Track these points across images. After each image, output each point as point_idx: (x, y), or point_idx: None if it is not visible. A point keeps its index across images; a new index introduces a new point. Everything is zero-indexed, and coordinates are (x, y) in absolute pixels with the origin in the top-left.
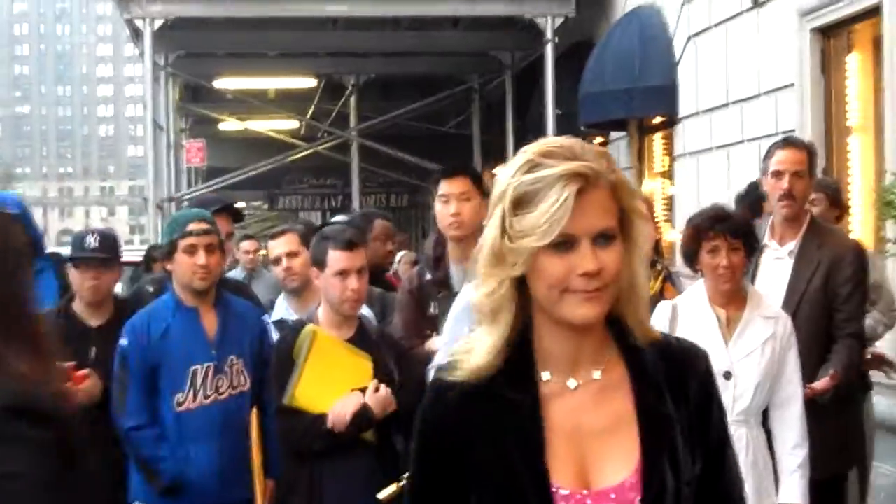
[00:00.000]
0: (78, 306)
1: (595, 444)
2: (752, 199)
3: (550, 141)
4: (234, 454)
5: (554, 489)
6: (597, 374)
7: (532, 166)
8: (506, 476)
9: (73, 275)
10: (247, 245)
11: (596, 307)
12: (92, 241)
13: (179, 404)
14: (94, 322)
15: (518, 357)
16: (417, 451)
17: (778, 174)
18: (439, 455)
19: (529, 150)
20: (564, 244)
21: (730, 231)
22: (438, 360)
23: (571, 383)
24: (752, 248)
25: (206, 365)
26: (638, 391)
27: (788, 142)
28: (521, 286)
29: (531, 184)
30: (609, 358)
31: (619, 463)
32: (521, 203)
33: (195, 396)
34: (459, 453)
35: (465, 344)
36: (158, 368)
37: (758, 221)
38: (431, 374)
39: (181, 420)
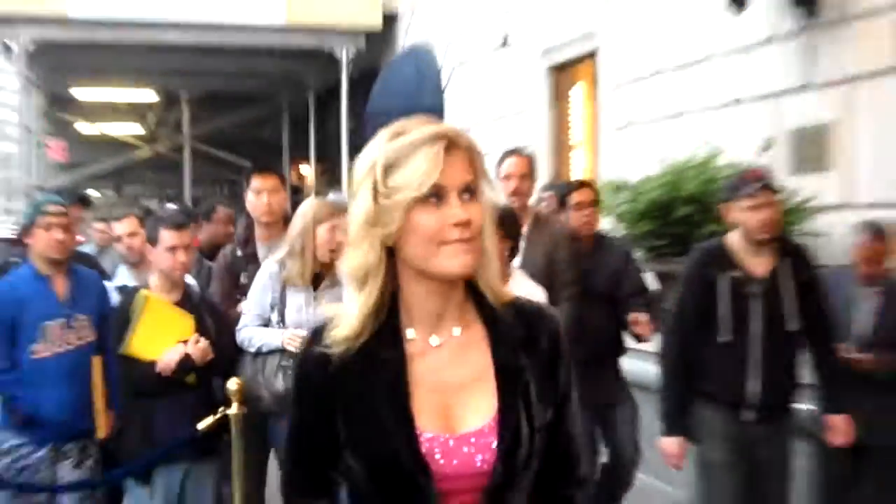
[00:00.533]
0: None
1: (457, 394)
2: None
3: (403, 121)
4: (81, 393)
5: (419, 433)
6: (457, 332)
7: (397, 135)
8: (375, 426)
9: None
10: (99, 225)
11: (469, 257)
12: None
13: (34, 353)
14: None
15: (387, 319)
16: (296, 403)
17: (508, 177)
18: (313, 404)
19: (389, 128)
20: (436, 196)
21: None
22: (243, 319)
23: (434, 340)
24: (513, 234)
25: (57, 321)
26: (494, 347)
27: (514, 151)
28: (390, 256)
29: (401, 148)
30: (468, 317)
31: (480, 411)
32: (393, 166)
33: (47, 347)
34: (331, 403)
35: (333, 316)
36: (17, 325)
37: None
38: (239, 333)
39: (35, 366)
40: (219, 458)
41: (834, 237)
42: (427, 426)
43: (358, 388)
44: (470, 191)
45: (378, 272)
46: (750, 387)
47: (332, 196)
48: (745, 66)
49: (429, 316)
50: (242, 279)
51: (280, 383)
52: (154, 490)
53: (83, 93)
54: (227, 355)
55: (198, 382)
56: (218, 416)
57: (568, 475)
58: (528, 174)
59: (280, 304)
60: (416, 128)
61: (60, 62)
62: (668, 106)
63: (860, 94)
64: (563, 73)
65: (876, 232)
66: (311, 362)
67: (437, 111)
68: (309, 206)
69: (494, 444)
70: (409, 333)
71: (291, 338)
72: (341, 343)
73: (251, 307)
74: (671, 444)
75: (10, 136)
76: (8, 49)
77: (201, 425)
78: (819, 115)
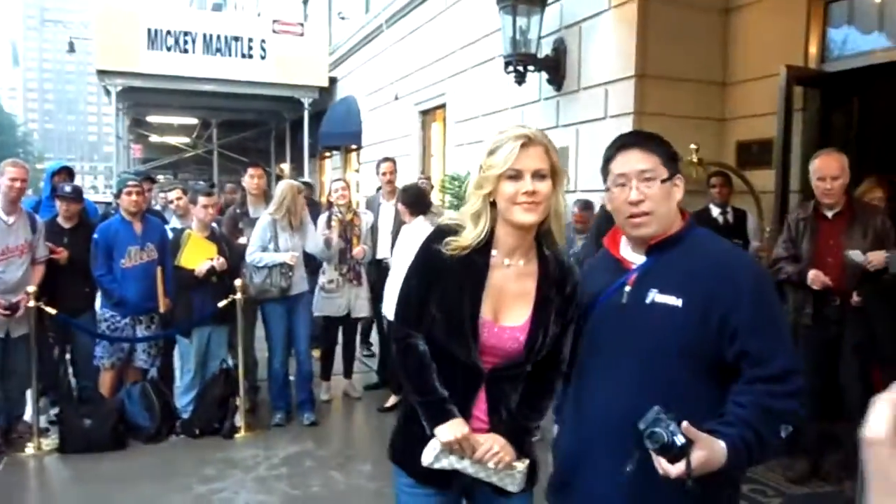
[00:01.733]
0: (60, 218)
1: (508, 300)
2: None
3: (508, 125)
4: (149, 285)
5: (480, 315)
6: (521, 263)
7: (499, 133)
8: (458, 299)
9: (59, 204)
10: (162, 194)
11: (531, 215)
12: (66, 188)
13: (123, 265)
14: (67, 226)
15: (485, 241)
16: (416, 271)
17: (384, 173)
18: (427, 275)
19: (499, 129)
20: (515, 176)
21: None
22: (250, 247)
23: (506, 262)
24: (411, 200)
25: (135, 246)
26: (540, 280)
27: (387, 159)
28: (493, 206)
29: (499, 141)
30: (530, 255)
31: (518, 316)
32: (492, 152)
33: (130, 260)
34: (438, 278)
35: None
36: (112, 247)
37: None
38: (250, 256)
39: (124, 271)
40: (230, 323)
41: (569, 208)
42: (485, 315)
43: (456, 274)
44: (540, 174)
45: (484, 213)
46: None
47: (299, 180)
48: (524, 115)
49: (507, 246)
50: (241, 225)
51: (283, 282)
52: (192, 341)
53: (153, 118)
54: (235, 266)
55: (218, 281)
56: (229, 299)
57: (557, 365)
58: (395, 171)
59: (275, 239)
60: (510, 129)
61: (139, 99)
62: (482, 134)
63: (582, 131)
64: (427, 115)
65: (585, 205)
66: (435, 251)
67: (358, 135)
68: (288, 183)
69: (522, 338)
70: (494, 253)
71: (290, 258)
72: (456, 249)
73: (255, 241)
74: None
75: (111, 143)
76: (108, 91)
77: (220, 304)
78: (561, 142)
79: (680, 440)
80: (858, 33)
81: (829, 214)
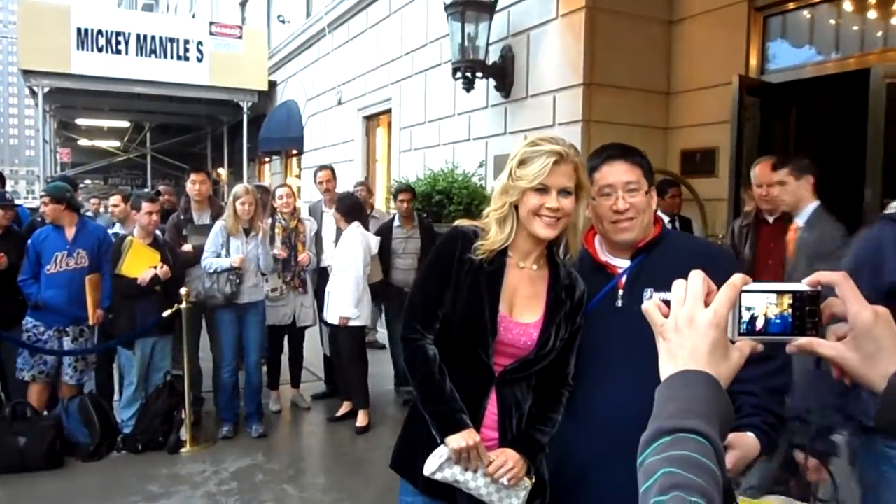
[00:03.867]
0: None
1: (522, 299)
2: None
3: (543, 135)
4: (75, 293)
5: (499, 310)
6: (535, 267)
7: (533, 144)
8: (477, 297)
9: None
10: (94, 201)
11: (552, 229)
12: (6, 195)
13: (47, 271)
14: None
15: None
16: (432, 267)
17: (320, 182)
18: (444, 271)
19: (534, 137)
20: (542, 190)
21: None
22: (205, 253)
23: (521, 265)
24: (347, 209)
25: (62, 252)
26: (551, 283)
27: (324, 167)
28: (515, 210)
29: (531, 153)
30: (543, 261)
31: (533, 313)
32: (524, 162)
33: (55, 266)
34: (455, 278)
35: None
36: (41, 253)
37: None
38: (203, 261)
39: (48, 277)
40: (173, 333)
41: None
42: (502, 309)
43: (475, 275)
44: (567, 191)
45: (510, 218)
46: None
47: (251, 185)
48: (472, 121)
49: (523, 250)
50: (185, 232)
51: (229, 288)
52: (135, 352)
53: (83, 121)
54: (178, 275)
55: (162, 290)
56: (174, 308)
57: (563, 374)
58: (333, 179)
59: (226, 245)
60: (544, 143)
61: (68, 101)
62: (429, 140)
63: (530, 138)
64: (371, 121)
65: None
66: (449, 253)
67: (299, 140)
68: (241, 188)
69: (535, 335)
70: (510, 255)
71: (237, 261)
72: (485, 252)
73: (209, 247)
74: None
75: (35, 146)
76: (34, 92)
77: (165, 314)
78: (509, 148)
79: None
80: (792, 47)
81: (770, 219)
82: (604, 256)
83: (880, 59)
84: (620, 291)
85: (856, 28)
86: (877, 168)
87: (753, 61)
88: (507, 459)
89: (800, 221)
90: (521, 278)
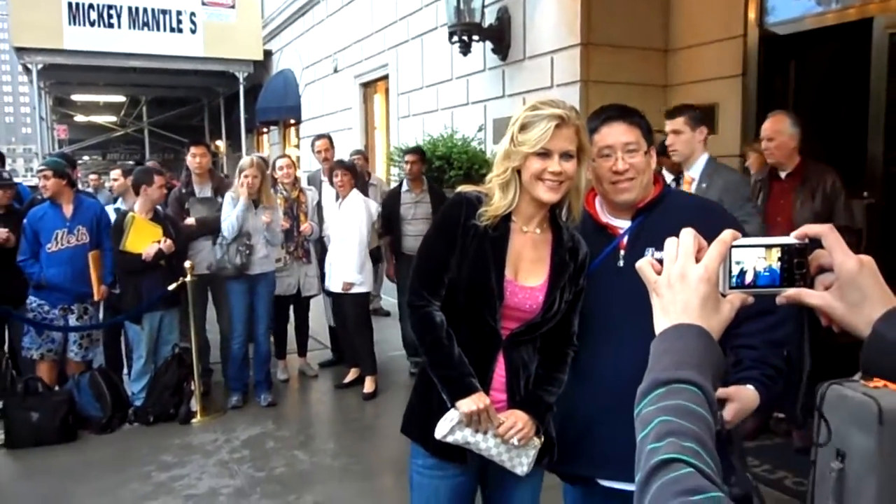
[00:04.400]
0: None
1: (525, 264)
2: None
3: (544, 97)
4: (78, 270)
5: (504, 275)
6: (538, 231)
7: (533, 108)
8: (483, 261)
9: None
10: (93, 177)
11: (554, 194)
12: (4, 174)
13: (48, 249)
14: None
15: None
16: (436, 235)
17: (318, 150)
18: (448, 237)
19: (534, 101)
20: (544, 154)
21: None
22: (223, 221)
23: (525, 229)
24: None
25: (62, 230)
26: (555, 246)
27: (321, 136)
28: (518, 175)
29: (532, 117)
30: (546, 224)
31: (537, 277)
32: (525, 127)
33: (56, 244)
34: (460, 242)
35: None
36: (39, 233)
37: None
38: (225, 226)
39: (49, 256)
40: (179, 306)
41: None
42: (508, 273)
43: (480, 240)
44: (569, 154)
45: (513, 183)
46: None
47: (255, 155)
48: (470, 85)
49: (527, 215)
50: (187, 205)
51: (239, 259)
52: (143, 326)
53: (78, 97)
54: (182, 248)
55: (166, 264)
56: (180, 282)
57: (568, 335)
58: (330, 148)
59: (238, 217)
60: (545, 107)
61: (62, 77)
62: (427, 105)
63: (529, 100)
64: (368, 87)
65: None
66: (454, 218)
67: (296, 109)
68: (248, 160)
69: (540, 298)
70: (515, 219)
71: (266, 216)
72: (490, 218)
73: (224, 216)
74: None
75: (31, 124)
76: (28, 69)
77: (171, 287)
78: (508, 111)
79: None
80: None
81: (782, 175)
82: (605, 217)
83: (881, 10)
84: (622, 252)
85: None
86: (879, 120)
87: (752, 15)
88: (517, 420)
89: (693, 174)
90: (525, 242)
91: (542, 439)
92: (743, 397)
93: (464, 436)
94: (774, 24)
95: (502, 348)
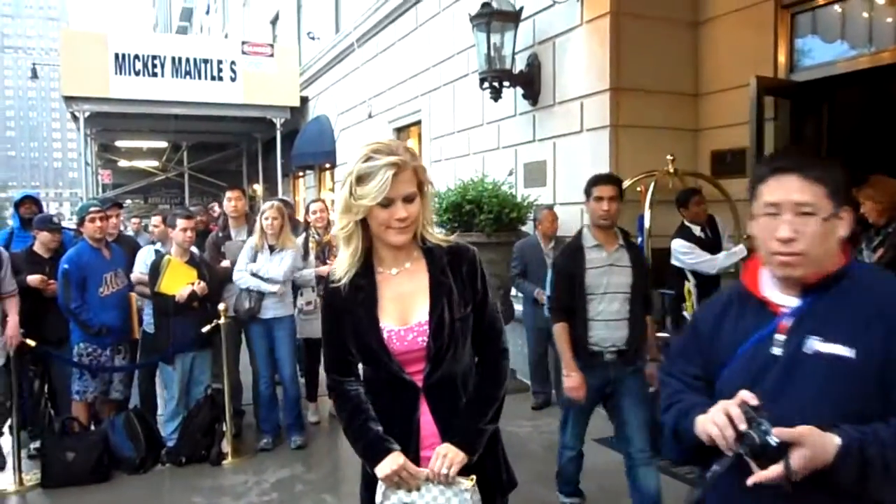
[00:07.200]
0: (38, 248)
1: (409, 300)
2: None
3: (376, 142)
4: (126, 312)
5: (382, 328)
6: (407, 265)
7: (367, 158)
8: (358, 326)
9: (41, 235)
10: (135, 220)
11: (404, 237)
12: (53, 219)
13: (101, 293)
14: (46, 256)
15: (365, 262)
16: (324, 318)
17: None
18: (333, 317)
19: (366, 148)
20: (387, 203)
21: None
22: (237, 270)
23: (393, 271)
24: None
25: (110, 273)
26: (430, 271)
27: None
28: (364, 223)
29: (367, 169)
30: (415, 254)
31: (420, 310)
32: (362, 179)
33: (107, 288)
34: (341, 316)
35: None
36: (87, 277)
37: None
38: (235, 274)
39: (103, 300)
40: (212, 348)
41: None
42: (388, 323)
43: (349, 303)
44: (410, 198)
45: (355, 235)
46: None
47: (275, 198)
48: (501, 130)
49: (389, 258)
50: (223, 249)
51: (247, 303)
52: (175, 367)
53: (122, 143)
54: (215, 291)
55: (200, 306)
56: (213, 324)
57: (494, 344)
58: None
59: (253, 261)
60: (379, 156)
61: (107, 124)
62: (459, 150)
63: (559, 145)
64: (402, 133)
65: (554, 212)
66: (328, 292)
67: (332, 153)
68: (266, 205)
69: (427, 328)
70: (379, 269)
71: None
72: (337, 280)
73: (238, 265)
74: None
75: (77, 169)
76: (75, 117)
77: (205, 329)
78: (539, 156)
79: (774, 441)
80: (823, 43)
81: None
82: (766, 291)
83: None
84: (780, 337)
85: (889, 20)
86: None
87: (782, 59)
88: (440, 453)
89: None
90: (400, 282)
91: (474, 480)
92: (819, 444)
93: (399, 499)
94: (805, 67)
95: (423, 394)
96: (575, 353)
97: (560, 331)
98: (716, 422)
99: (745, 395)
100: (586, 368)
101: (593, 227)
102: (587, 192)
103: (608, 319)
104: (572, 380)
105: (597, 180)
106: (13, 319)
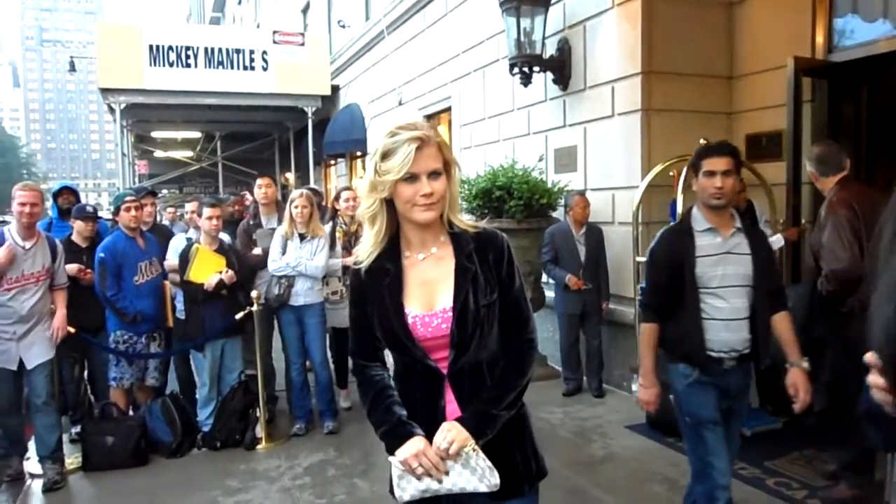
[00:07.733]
0: (76, 237)
1: (435, 286)
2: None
3: (401, 121)
4: (161, 300)
5: (406, 313)
6: (434, 249)
7: (391, 135)
8: (384, 310)
9: (77, 224)
10: (170, 209)
11: (430, 213)
12: (89, 208)
13: (136, 282)
14: (84, 245)
15: (391, 245)
16: (351, 302)
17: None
18: (359, 299)
19: (392, 126)
20: (411, 178)
21: None
22: (270, 258)
23: (420, 256)
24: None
25: (145, 261)
26: (455, 255)
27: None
28: (390, 204)
29: (392, 144)
30: (442, 239)
31: (446, 296)
32: (386, 155)
33: (142, 276)
34: (367, 299)
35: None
36: (122, 266)
37: None
38: (271, 265)
39: (138, 288)
40: (242, 335)
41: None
42: (413, 308)
43: (376, 287)
44: (436, 173)
45: (380, 216)
46: None
47: (305, 187)
48: (531, 115)
49: (416, 241)
50: (254, 236)
51: (277, 290)
52: (206, 355)
53: (157, 133)
54: (245, 278)
55: (228, 294)
56: (246, 311)
57: (520, 332)
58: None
59: (284, 249)
60: (403, 131)
61: (143, 115)
62: (489, 136)
63: (589, 130)
64: (432, 119)
65: (585, 198)
66: (352, 274)
67: (363, 142)
68: (295, 193)
69: (453, 315)
70: (406, 253)
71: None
72: (362, 262)
73: (273, 254)
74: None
75: (115, 160)
76: (112, 109)
77: (238, 316)
78: (569, 141)
79: None
80: (863, 22)
81: None
82: None
83: None
84: None
85: None
86: None
87: (820, 39)
88: (446, 428)
89: None
90: (426, 267)
91: (477, 448)
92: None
93: (416, 487)
94: (844, 48)
95: (448, 381)
96: (676, 359)
97: (647, 332)
98: None
99: None
100: (699, 382)
101: (703, 208)
102: (695, 166)
103: (728, 319)
104: (647, 393)
105: (707, 151)
106: (61, 312)
